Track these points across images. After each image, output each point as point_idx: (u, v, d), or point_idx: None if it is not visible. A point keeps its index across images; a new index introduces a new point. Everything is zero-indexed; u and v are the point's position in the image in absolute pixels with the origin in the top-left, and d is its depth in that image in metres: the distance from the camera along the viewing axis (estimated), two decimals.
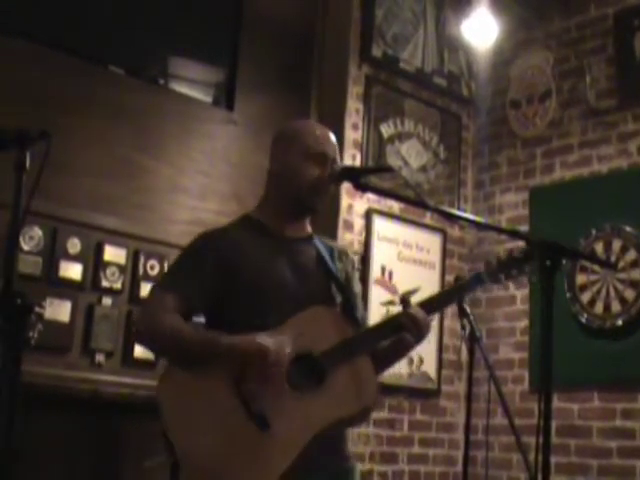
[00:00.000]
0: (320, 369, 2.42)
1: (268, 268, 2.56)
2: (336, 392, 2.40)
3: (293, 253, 2.63)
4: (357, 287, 2.76)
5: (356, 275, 2.80)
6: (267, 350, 2.33)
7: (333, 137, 2.69)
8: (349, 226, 4.88)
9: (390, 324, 2.55)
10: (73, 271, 3.87)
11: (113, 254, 4.01)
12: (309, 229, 2.74)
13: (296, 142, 2.64)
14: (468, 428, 3.38)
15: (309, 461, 2.33)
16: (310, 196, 2.60)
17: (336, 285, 2.64)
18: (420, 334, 2.51)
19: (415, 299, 2.57)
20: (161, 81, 4.55)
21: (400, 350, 2.61)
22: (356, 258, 4.81)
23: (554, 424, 4.37)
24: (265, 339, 2.36)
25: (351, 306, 2.65)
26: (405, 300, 2.55)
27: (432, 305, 2.59)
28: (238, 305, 2.51)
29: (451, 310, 5.16)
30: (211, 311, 2.56)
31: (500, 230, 4.58)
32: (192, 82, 4.69)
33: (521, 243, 2.55)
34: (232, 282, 2.52)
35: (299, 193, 2.60)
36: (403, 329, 2.50)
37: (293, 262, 2.61)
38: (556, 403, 4.59)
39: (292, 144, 2.64)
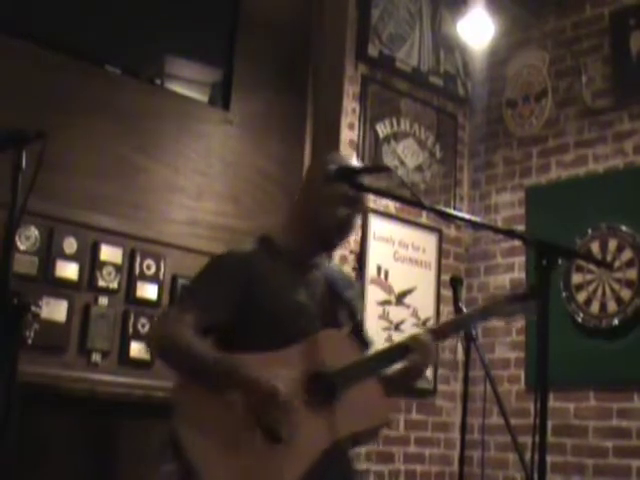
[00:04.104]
0: (332, 387, 2.47)
1: (287, 297, 2.60)
2: (348, 409, 2.46)
3: (309, 282, 2.67)
4: (360, 315, 2.83)
5: (360, 304, 2.90)
6: (277, 393, 2.36)
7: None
8: None
9: (398, 346, 2.62)
10: (69, 271, 3.87)
11: (109, 254, 4.01)
12: (322, 255, 2.78)
13: (331, 186, 2.62)
14: (464, 427, 3.37)
15: (318, 477, 2.37)
16: (337, 236, 2.66)
17: (347, 312, 2.71)
18: (426, 356, 2.59)
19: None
20: (157, 81, 4.54)
21: (411, 374, 2.67)
22: (351, 258, 4.82)
23: (550, 423, 4.37)
24: (277, 381, 2.38)
25: (361, 331, 2.73)
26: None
27: (439, 332, 2.67)
28: (253, 330, 2.53)
29: (447, 310, 5.16)
30: (225, 333, 2.57)
31: (496, 230, 4.59)
32: (188, 82, 4.69)
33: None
34: (249, 306, 2.54)
35: (327, 233, 2.64)
36: (409, 350, 2.57)
37: (310, 291, 2.65)
38: (552, 402, 4.58)
39: (326, 186, 2.62)
